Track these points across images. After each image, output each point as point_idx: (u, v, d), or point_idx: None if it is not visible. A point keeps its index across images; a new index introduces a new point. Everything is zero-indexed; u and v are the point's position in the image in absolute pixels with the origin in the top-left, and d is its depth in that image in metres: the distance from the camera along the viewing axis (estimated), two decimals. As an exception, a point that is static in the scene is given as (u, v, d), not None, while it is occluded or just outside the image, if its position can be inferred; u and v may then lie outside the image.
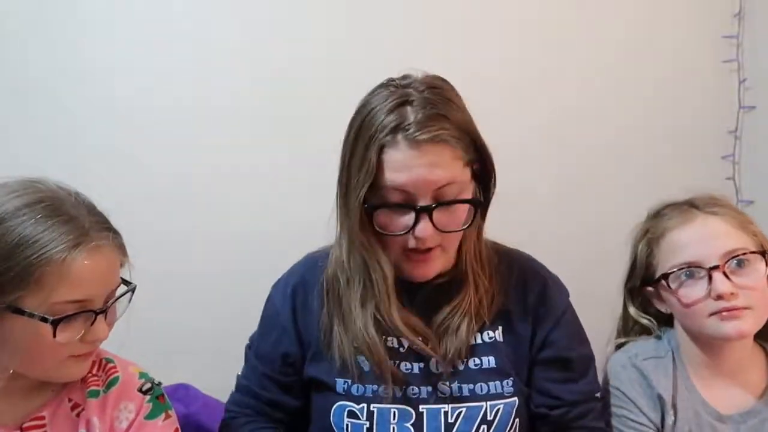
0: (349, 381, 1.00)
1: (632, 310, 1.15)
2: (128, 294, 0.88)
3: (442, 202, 0.93)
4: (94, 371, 0.92)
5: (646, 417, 1.04)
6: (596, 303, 1.48)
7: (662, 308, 1.11)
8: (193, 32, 1.46)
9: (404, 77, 0.98)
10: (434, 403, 0.98)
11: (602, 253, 1.58)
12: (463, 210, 0.97)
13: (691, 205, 1.06)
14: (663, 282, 1.05)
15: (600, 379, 1.10)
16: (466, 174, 0.96)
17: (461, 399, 0.99)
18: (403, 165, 0.91)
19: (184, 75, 1.46)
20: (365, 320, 0.99)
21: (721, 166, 1.65)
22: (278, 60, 1.48)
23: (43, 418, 0.87)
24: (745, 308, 0.99)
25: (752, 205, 1.61)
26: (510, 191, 1.51)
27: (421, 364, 1.00)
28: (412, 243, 0.95)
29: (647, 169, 1.62)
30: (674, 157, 1.63)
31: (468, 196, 0.97)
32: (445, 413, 0.98)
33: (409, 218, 0.94)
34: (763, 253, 1.00)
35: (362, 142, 0.94)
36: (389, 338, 1.01)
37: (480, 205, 0.99)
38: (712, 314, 1.00)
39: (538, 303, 1.05)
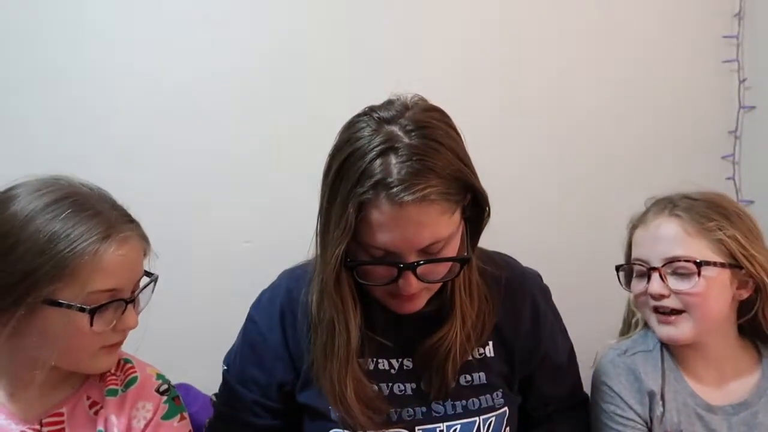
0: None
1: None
2: (151, 285, 0.92)
3: (427, 261, 0.88)
4: (113, 370, 0.94)
5: (633, 411, 1.06)
6: (592, 304, 1.49)
7: None
8: (193, 26, 1.46)
9: (388, 105, 0.91)
10: (430, 423, 0.99)
11: (600, 253, 1.58)
12: (449, 263, 0.93)
13: (669, 203, 1.09)
14: (617, 272, 1.13)
15: (590, 375, 1.14)
16: (454, 221, 0.89)
17: (455, 416, 0.99)
18: (385, 226, 0.85)
19: (184, 71, 1.46)
20: (339, 368, 0.95)
21: (721, 166, 1.65)
22: (277, 56, 1.49)
23: (62, 414, 0.89)
24: (679, 311, 1.04)
25: (752, 205, 1.61)
26: (509, 191, 1.53)
27: (414, 385, 1.00)
28: (396, 290, 0.91)
29: (647, 169, 1.62)
30: (674, 157, 1.63)
31: (455, 247, 0.92)
32: None
33: (392, 272, 0.89)
34: (698, 265, 1.02)
35: (342, 191, 0.86)
36: (380, 360, 1.00)
37: (467, 261, 0.93)
38: (653, 311, 1.07)
39: (531, 324, 1.06)
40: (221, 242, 1.48)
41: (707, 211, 1.05)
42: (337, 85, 1.48)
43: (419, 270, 0.88)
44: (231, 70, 1.47)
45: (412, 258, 0.88)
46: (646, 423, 1.06)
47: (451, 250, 0.91)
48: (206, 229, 1.48)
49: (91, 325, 0.83)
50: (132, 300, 0.88)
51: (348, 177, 0.86)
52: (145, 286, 0.91)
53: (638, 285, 1.09)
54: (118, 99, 1.44)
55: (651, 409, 1.06)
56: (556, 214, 1.60)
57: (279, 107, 1.48)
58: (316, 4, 1.50)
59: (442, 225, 0.87)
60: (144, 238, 0.91)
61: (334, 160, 0.89)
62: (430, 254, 0.89)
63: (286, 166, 1.47)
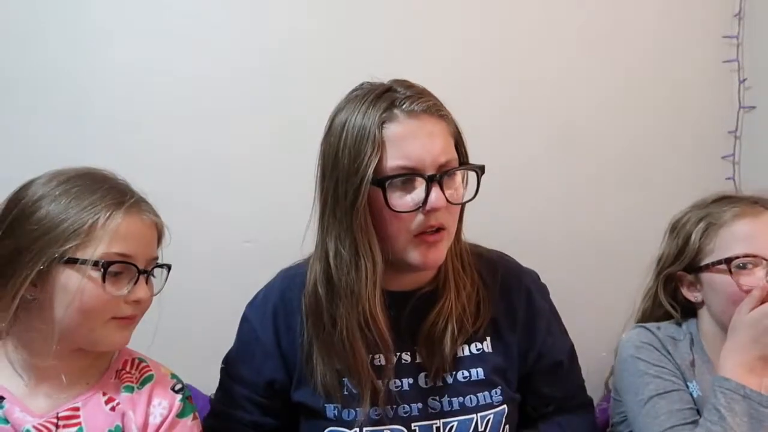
0: (339, 406, 0.99)
1: (663, 296, 1.16)
2: (165, 271, 0.97)
3: (448, 170, 0.94)
4: (128, 369, 0.98)
5: (675, 377, 1.07)
6: (593, 303, 1.49)
7: (692, 297, 1.13)
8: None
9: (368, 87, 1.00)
10: (426, 420, 0.99)
11: (600, 253, 1.59)
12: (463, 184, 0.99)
13: (755, 202, 1.10)
14: (724, 266, 1.06)
15: (592, 377, 1.15)
16: (454, 153, 0.97)
17: (452, 413, 1.00)
18: (407, 134, 0.93)
19: (184, 71, 1.46)
20: (351, 332, 0.96)
21: (721, 166, 1.65)
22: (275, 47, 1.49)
23: (78, 408, 0.92)
24: None
25: (752, 205, 1.61)
26: (509, 192, 1.53)
27: (411, 380, 1.01)
28: (420, 221, 0.93)
29: (647, 169, 1.62)
30: (674, 157, 1.63)
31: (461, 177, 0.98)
32: (437, 429, 0.99)
33: (418, 193, 0.93)
34: None
35: (352, 132, 0.93)
36: (377, 356, 1.00)
37: (483, 172, 0.98)
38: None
39: (527, 317, 1.07)
40: (221, 242, 1.48)
41: None
42: (337, 85, 1.47)
43: (445, 185, 0.93)
44: (231, 69, 1.47)
45: (435, 172, 0.93)
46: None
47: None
48: (206, 229, 1.47)
49: (103, 281, 0.87)
50: (145, 272, 0.92)
51: (357, 120, 0.94)
52: (158, 266, 0.96)
53: (749, 279, 1.04)
54: (117, 99, 1.44)
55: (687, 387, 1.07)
56: (556, 214, 1.59)
57: (279, 107, 1.48)
58: (316, 3, 1.50)
59: (450, 145, 0.96)
60: (158, 219, 0.97)
61: (336, 122, 0.97)
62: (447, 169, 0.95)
63: (286, 165, 1.46)
